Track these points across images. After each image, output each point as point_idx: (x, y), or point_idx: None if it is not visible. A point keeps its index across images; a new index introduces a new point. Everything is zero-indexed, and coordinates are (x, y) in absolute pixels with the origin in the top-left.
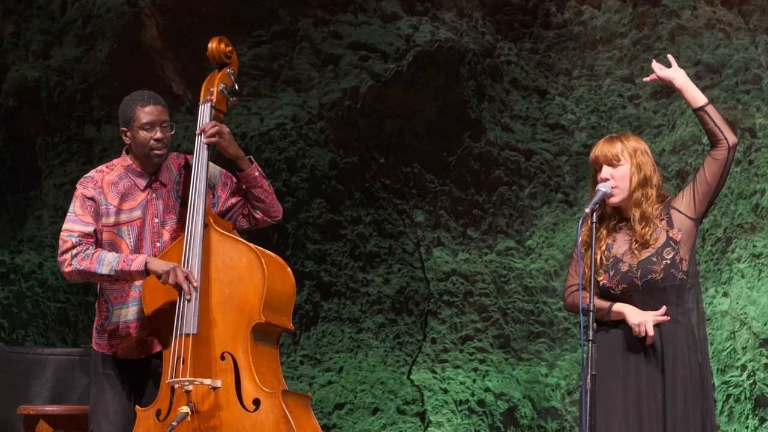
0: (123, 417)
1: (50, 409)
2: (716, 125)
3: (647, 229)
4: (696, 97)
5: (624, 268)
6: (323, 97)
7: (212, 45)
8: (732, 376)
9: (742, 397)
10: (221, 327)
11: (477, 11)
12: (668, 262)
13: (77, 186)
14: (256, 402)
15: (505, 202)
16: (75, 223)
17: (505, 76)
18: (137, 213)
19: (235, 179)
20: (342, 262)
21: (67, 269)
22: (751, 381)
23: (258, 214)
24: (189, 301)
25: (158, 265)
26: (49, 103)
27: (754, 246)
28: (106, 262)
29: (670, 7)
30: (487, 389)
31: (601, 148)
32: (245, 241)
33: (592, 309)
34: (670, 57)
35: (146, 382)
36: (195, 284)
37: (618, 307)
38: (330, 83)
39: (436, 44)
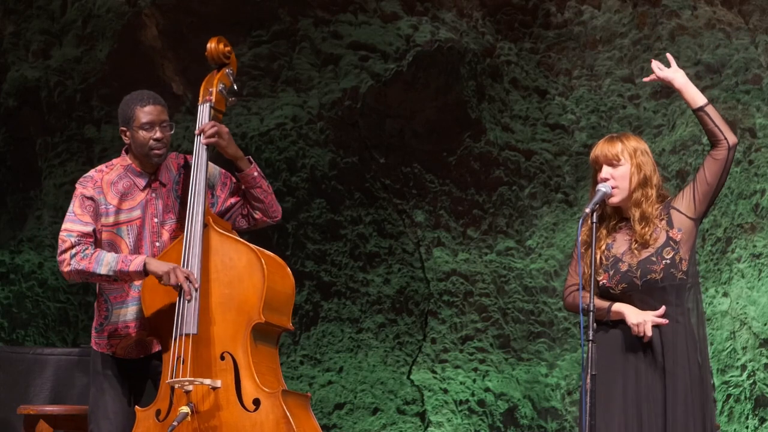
0: (122, 417)
1: (50, 409)
2: (716, 125)
3: (647, 229)
4: (695, 97)
5: (624, 267)
6: (323, 97)
7: (211, 45)
8: (732, 376)
9: (742, 397)
10: (221, 327)
11: (477, 11)
12: (668, 261)
13: (76, 186)
14: (256, 402)
15: (505, 202)
16: (74, 223)
17: (505, 76)
18: (137, 213)
19: (234, 179)
20: (342, 262)
21: (66, 269)
22: (751, 381)
23: (257, 215)
24: (189, 301)
25: (157, 266)
26: (49, 103)
27: (754, 246)
28: (105, 262)
29: (670, 7)
30: (487, 389)
31: (601, 148)
32: (245, 241)
33: (592, 309)
34: (669, 56)
35: (146, 382)
36: (195, 285)
37: (617, 307)
38: (330, 83)
39: (436, 44)
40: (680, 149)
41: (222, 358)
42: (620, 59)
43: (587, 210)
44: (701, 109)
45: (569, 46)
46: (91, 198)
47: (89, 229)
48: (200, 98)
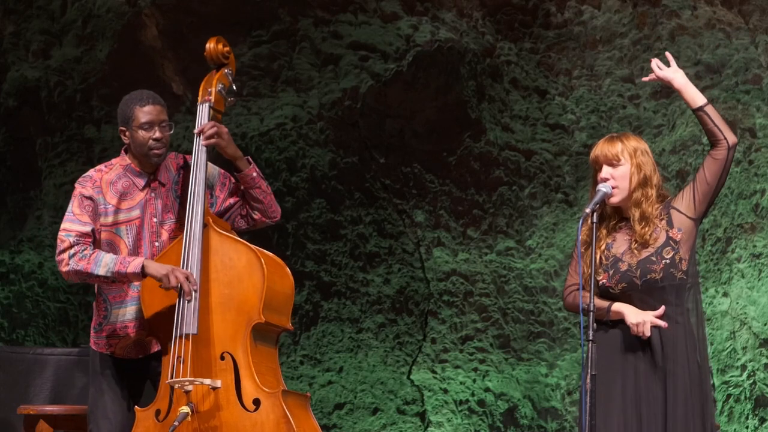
0: (122, 417)
1: (50, 409)
2: (716, 125)
3: (647, 229)
4: (695, 97)
5: (623, 267)
6: (323, 97)
7: (210, 45)
8: (732, 376)
9: (742, 397)
10: (221, 327)
11: (477, 11)
12: (668, 261)
13: (76, 185)
14: (256, 402)
15: (505, 202)
16: (73, 223)
17: (505, 76)
18: (136, 212)
19: (233, 179)
20: (342, 262)
21: (64, 269)
22: (751, 381)
23: (256, 215)
24: (189, 301)
25: (156, 268)
26: (49, 103)
27: (754, 246)
28: (103, 263)
29: (670, 7)
30: (487, 389)
31: (601, 148)
32: (244, 241)
33: (592, 309)
34: (668, 55)
35: (145, 382)
36: (194, 287)
37: (617, 306)
38: (330, 83)
39: (436, 44)
40: (680, 149)
41: (222, 358)
42: (620, 59)
43: (587, 210)
44: (701, 109)
45: (569, 46)
46: (90, 198)
47: (88, 229)
48: (199, 98)
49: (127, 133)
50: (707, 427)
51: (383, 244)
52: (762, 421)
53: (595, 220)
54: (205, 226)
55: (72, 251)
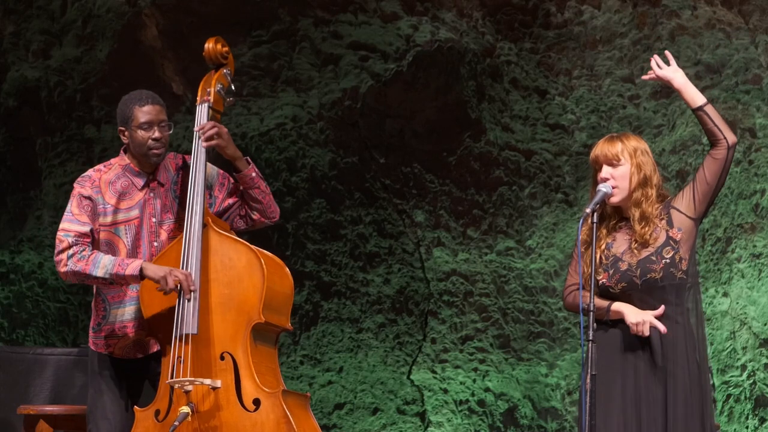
0: (121, 417)
1: (50, 409)
2: (715, 125)
3: (647, 228)
4: (695, 97)
5: (623, 267)
6: (323, 97)
7: (209, 45)
8: (732, 376)
9: (742, 397)
10: (221, 327)
11: (477, 11)
12: (668, 261)
13: (74, 185)
14: (257, 402)
15: (505, 202)
16: (71, 223)
17: (505, 76)
18: (135, 212)
19: (232, 180)
20: (342, 262)
21: (62, 269)
22: (751, 381)
23: (255, 215)
24: (189, 300)
25: (154, 270)
26: (49, 103)
27: (754, 246)
28: (102, 264)
29: (670, 7)
30: (487, 389)
31: (601, 148)
32: (244, 241)
33: (592, 309)
34: (668, 54)
35: (144, 383)
36: (191, 288)
37: (617, 306)
38: (330, 83)
39: (436, 44)
40: (680, 149)
41: (222, 358)
42: (620, 59)
43: (588, 210)
44: (700, 108)
45: (569, 46)
46: (88, 198)
47: (86, 229)
48: (198, 99)
49: (126, 133)
50: (707, 427)
51: (383, 244)
52: (762, 421)
53: (595, 220)
54: (204, 226)
55: (70, 252)
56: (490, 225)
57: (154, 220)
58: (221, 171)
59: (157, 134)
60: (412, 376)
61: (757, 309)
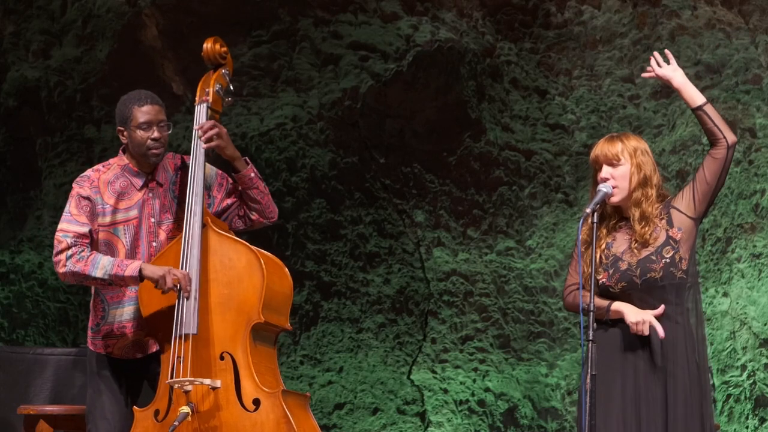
0: (120, 417)
1: (50, 409)
2: (715, 124)
3: (647, 228)
4: (694, 96)
5: (623, 266)
6: (323, 97)
7: (207, 46)
8: (732, 376)
9: (742, 397)
10: (220, 327)
11: (477, 11)
12: (668, 260)
13: (73, 185)
14: (256, 402)
15: (505, 202)
16: (70, 223)
17: (505, 76)
18: (134, 212)
19: (230, 180)
20: (342, 262)
21: (61, 270)
22: (751, 381)
23: (254, 215)
24: (188, 299)
25: (152, 271)
26: (49, 103)
27: (754, 246)
28: (101, 265)
29: (670, 7)
30: (487, 389)
31: (601, 148)
32: (243, 242)
33: (592, 309)
34: (667, 53)
35: (143, 383)
36: (189, 288)
37: (616, 306)
38: (330, 83)
39: (436, 44)
40: (680, 149)
41: (221, 358)
42: (620, 59)
43: (588, 210)
44: (700, 108)
45: (569, 46)
46: (87, 198)
47: (85, 230)
48: (197, 99)
49: (125, 133)
50: (706, 427)
51: (383, 244)
52: (762, 421)
53: (595, 220)
54: (204, 226)
55: (69, 252)
56: (490, 225)
57: (152, 220)
58: (220, 171)
59: (156, 134)
60: (412, 376)
61: (757, 309)
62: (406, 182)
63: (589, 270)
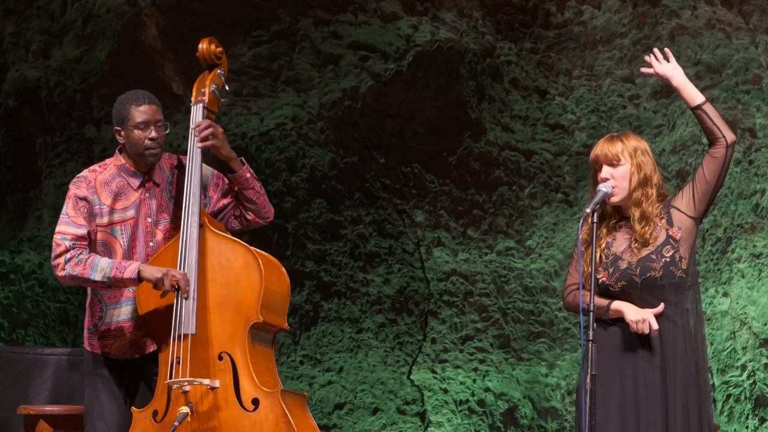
0: (119, 418)
1: (50, 409)
2: (714, 123)
3: (647, 228)
4: (693, 95)
5: (623, 265)
6: (323, 97)
7: (203, 46)
8: (732, 376)
9: (742, 397)
10: (219, 327)
11: (477, 11)
12: (668, 259)
13: (70, 186)
14: (255, 402)
15: (505, 202)
16: (68, 226)
17: (505, 76)
18: (130, 212)
19: (226, 180)
20: (342, 262)
21: (60, 273)
22: (751, 381)
23: (250, 215)
24: (187, 299)
25: (151, 272)
26: (49, 103)
27: (754, 246)
28: (99, 268)
29: (670, 7)
30: (487, 389)
31: (601, 148)
32: (241, 242)
33: (592, 309)
34: (667, 51)
35: (140, 383)
36: (187, 288)
37: (616, 305)
38: (330, 83)
39: (436, 44)
40: (680, 149)
41: (220, 358)
42: (620, 59)
43: (588, 210)
44: (699, 107)
45: (569, 46)
46: (84, 198)
47: (83, 231)
48: (193, 99)
49: (122, 133)
50: (706, 427)
51: (383, 244)
52: (762, 421)
53: (595, 220)
54: (201, 226)
55: (68, 256)
56: (490, 225)
57: (149, 220)
58: (215, 171)
59: (153, 134)
60: (412, 376)
61: (757, 309)
62: (406, 182)
63: (590, 269)
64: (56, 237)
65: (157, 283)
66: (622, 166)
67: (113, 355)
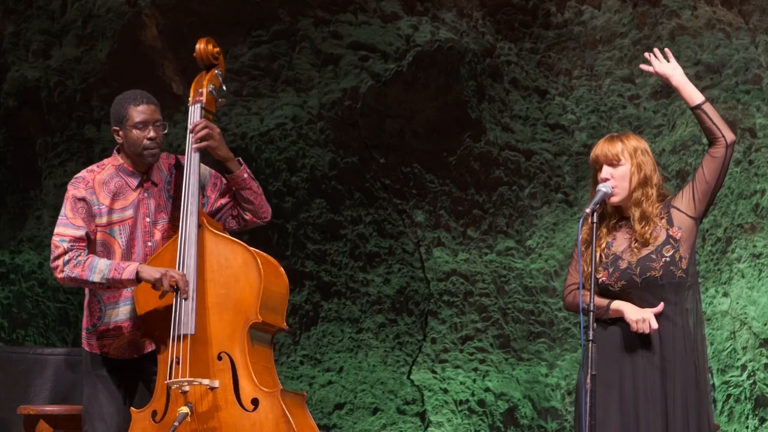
0: (118, 418)
1: (50, 409)
2: (713, 123)
3: (647, 228)
4: (693, 95)
5: (623, 265)
6: (323, 97)
7: (200, 46)
8: (732, 376)
9: (742, 397)
10: (218, 327)
11: (477, 11)
12: (668, 259)
13: (68, 187)
14: (255, 402)
15: (505, 202)
16: (67, 227)
17: (505, 76)
18: (129, 212)
19: (224, 180)
20: (342, 262)
21: (59, 275)
22: (751, 381)
23: (247, 215)
24: (186, 299)
25: (150, 273)
26: (49, 103)
27: (754, 246)
28: (98, 270)
29: (670, 7)
30: (487, 389)
31: (601, 148)
32: (239, 241)
33: (592, 309)
34: (667, 51)
35: (138, 383)
36: (186, 289)
37: (616, 304)
38: (330, 83)
39: (436, 44)
40: (680, 149)
41: (219, 358)
42: (620, 59)
43: (588, 210)
44: (699, 107)
45: (569, 46)
46: (83, 199)
47: (82, 233)
48: (190, 99)
49: (120, 133)
50: (706, 427)
51: (383, 244)
52: (762, 421)
53: (595, 220)
54: (199, 226)
55: (66, 257)
56: (490, 225)
57: (148, 220)
58: (213, 171)
59: (152, 134)
60: (412, 376)
61: (757, 309)
62: (406, 182)
63: (590, 269)
64: (54, 239)
65: (155, 284)
66: (622, 166)
67: (112, 355)
